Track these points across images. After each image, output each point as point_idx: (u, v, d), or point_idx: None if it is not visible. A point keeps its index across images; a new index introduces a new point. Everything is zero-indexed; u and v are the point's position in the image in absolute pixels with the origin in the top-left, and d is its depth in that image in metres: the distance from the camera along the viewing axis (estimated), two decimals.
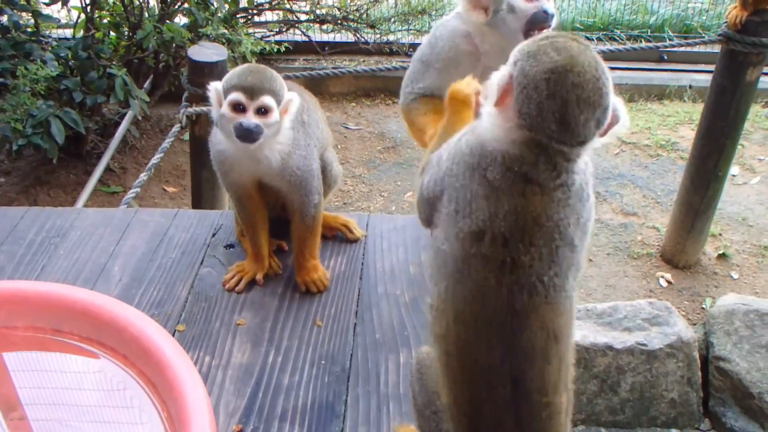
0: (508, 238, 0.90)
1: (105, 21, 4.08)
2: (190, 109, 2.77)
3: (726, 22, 2.96)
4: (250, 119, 1.35)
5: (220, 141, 1.46)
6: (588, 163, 0.97)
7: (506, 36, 1.34)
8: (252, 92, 1.35)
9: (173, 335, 1.34)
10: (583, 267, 0.97)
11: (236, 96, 1.35)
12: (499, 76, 0.93)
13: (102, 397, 0.99)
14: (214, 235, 1.63)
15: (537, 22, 1.33)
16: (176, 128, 2.73)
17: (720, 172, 3.33)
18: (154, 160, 2.59)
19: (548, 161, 0.91)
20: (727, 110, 3.13)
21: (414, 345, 1.34)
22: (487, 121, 0.95)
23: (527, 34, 1.32)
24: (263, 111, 1.36)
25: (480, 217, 0.91)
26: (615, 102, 0.94)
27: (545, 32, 1.31)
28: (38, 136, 3.38)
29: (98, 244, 1.58)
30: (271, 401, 1.24)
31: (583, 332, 3.20)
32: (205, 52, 2.78)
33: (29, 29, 3.60)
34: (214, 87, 1.41)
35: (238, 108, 1.36)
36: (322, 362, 1.31)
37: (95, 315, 0.99)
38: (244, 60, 3.71)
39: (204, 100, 2.81)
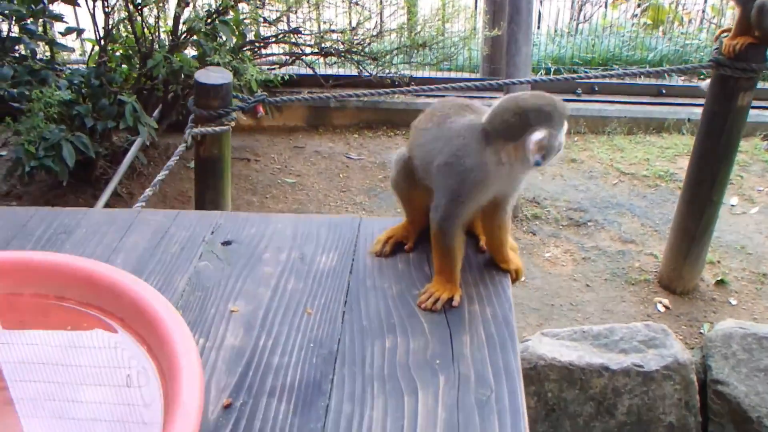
0: None
1: (117, 53, 4.23)
2: (195, 130, 2.87)
3: (717, 48, 3.06)
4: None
5: (485, 162, 1.42)
6: None
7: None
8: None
9: None
10: None
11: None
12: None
13: (96, 356, 1.06)
14: (212, 233, 1.71)
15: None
16: (182, 147, 2.82)
17: (714, 197, 3.40)
18: (160, 176, 2.69)
19: None
20: (720, 135, 3.21)
21: (400, 332, 1.40)
22: None
23: None
24: None
25: None
26: None
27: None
28: (50, 159, 3.50)
29: (102, 241, 1.66)
30: (261, 379, 1.29)
31: (578, 353, 3.23)
32: (211, 75, 2.89)
33: (45, 57, 3.74)
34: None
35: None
36: (311, 345, 1.37)
37: (96, 282, 1.06)
38: (249, 88, 3.84)
39: (209, 121, 2.92)
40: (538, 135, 1.31)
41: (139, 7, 3.83)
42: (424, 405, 1.23)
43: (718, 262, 4.00)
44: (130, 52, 4.20)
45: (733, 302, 3.78)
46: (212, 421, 1.20)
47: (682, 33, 6.07)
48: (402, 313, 1.46)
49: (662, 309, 3.73)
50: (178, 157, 2.83)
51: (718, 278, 3.87)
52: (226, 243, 1.67)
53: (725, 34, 3.06)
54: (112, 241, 1.66)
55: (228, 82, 2.87)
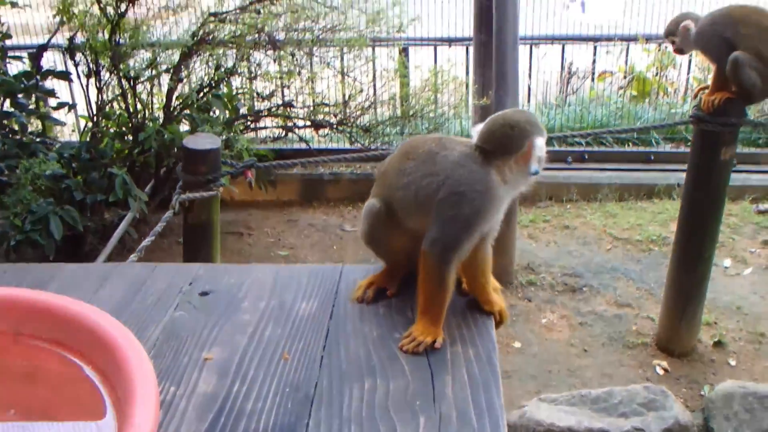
0: None
1: (111, 130, 4.27)
2: (183, 196, 2.86)
3: (696, 105, 3.10)
4: None
5: (493, 183, 1.45)
6: None
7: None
8: None
9: None
10: None
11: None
12: None
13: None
14: (190, 284, 1.67)
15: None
16: (169, 213, 2.81)
17: (705, 253, 3.38)
18: (146, 242, 2.67)
19: None
20: (706, 189, 3.22)
21: (380, 374, 1.36)
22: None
23: None
24: None
25: None
26: None
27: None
28: (37, 233, 3.47)
29: (76, 293, 1.61)
30: (233, 425, 1.24)
31: (577, 417, 3.14)
32: (199, 141, 2.90)
33: (37, 131, 3.77)
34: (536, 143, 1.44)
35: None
36: (287, 390, 1.32)
37: (54, 313, 1.02)
38: (240, 158, 3.86)
39: (198, 186, 2.91)
40: (539, 141, 1.41)
41: (132, 81, 3.89)
42: None
43: (715, 323, 3.95)
44: (123, 129, 4.25)
45: (732, 363, 3.70)
46: None
47: (667, 102, 6.18)
48: (382, 355, 1.41)
49: (661, 372, 3.65)
50: (165, 223, 2.81)
51: (716, 339, 3.81)
52: (204, 293, 1.63)
53: (704, 90, 3.11)
54: (85, 294, 1.62)
55: (216, 147, 2.88)
